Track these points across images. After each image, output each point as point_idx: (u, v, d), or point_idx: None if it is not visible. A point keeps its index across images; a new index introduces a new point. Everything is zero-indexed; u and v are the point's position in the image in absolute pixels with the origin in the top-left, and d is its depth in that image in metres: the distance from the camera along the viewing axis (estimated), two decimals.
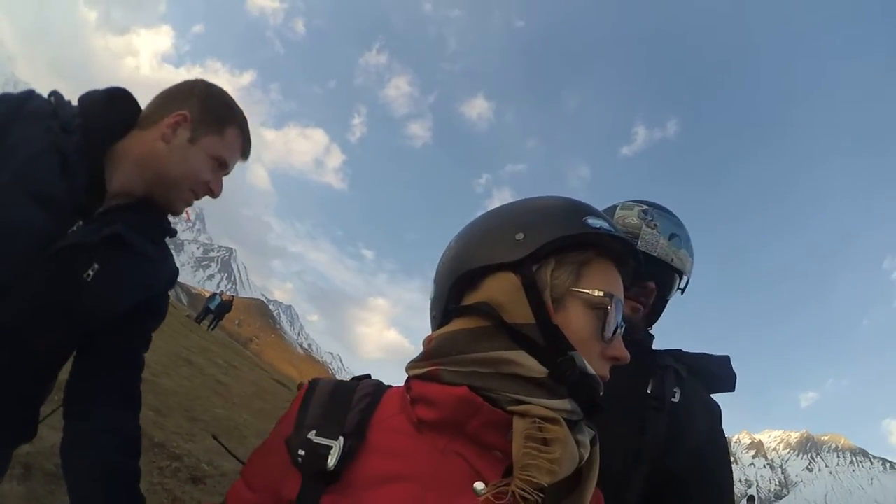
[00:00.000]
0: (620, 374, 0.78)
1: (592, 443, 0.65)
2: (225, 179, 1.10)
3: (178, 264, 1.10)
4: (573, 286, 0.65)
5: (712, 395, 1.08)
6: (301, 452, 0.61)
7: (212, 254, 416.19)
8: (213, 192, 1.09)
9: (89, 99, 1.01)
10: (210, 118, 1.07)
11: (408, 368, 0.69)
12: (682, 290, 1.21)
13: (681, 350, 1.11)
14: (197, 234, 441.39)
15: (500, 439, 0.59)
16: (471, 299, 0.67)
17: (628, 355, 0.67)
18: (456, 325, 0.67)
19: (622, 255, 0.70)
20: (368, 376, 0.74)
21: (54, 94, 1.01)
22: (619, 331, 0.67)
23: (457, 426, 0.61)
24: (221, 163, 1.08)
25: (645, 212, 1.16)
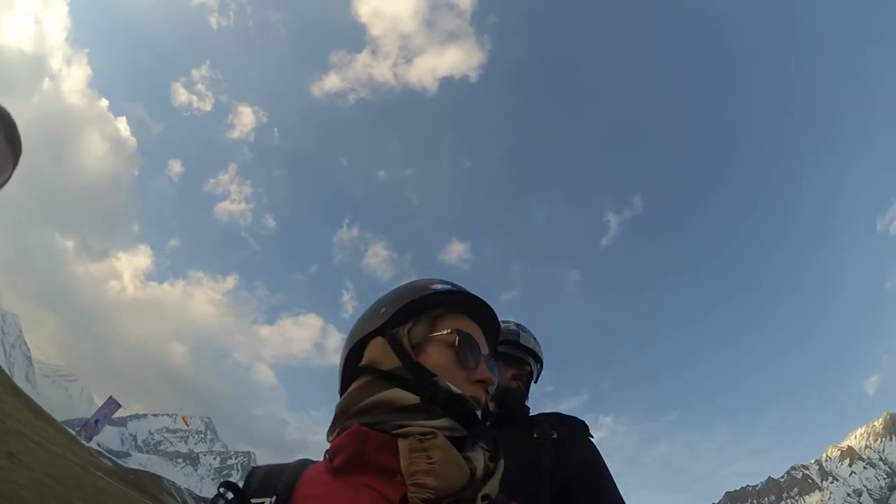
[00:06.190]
0: (518, 436, 1.45)
1: (493, 458, 0.83)
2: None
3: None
4: (429, 334, 0.86)
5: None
6: None
7: (230, 461, 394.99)
8: None
9: None
10: None
11: (327, 435, 0.87)
12: (536, 380, 1.75)
13: (545, 412, 1.62)
14: (210, 444, 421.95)
15: (397, 462, 0.77)
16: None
17: (494, 378, 0.84)
18: (351, 387, 0.87)
19: (471, 307, 0.86)
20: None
21: None
22: (481, 360, 0.84)
23: (361, 460, 0.78)
24: None
25: (517, 324, 1.75)
